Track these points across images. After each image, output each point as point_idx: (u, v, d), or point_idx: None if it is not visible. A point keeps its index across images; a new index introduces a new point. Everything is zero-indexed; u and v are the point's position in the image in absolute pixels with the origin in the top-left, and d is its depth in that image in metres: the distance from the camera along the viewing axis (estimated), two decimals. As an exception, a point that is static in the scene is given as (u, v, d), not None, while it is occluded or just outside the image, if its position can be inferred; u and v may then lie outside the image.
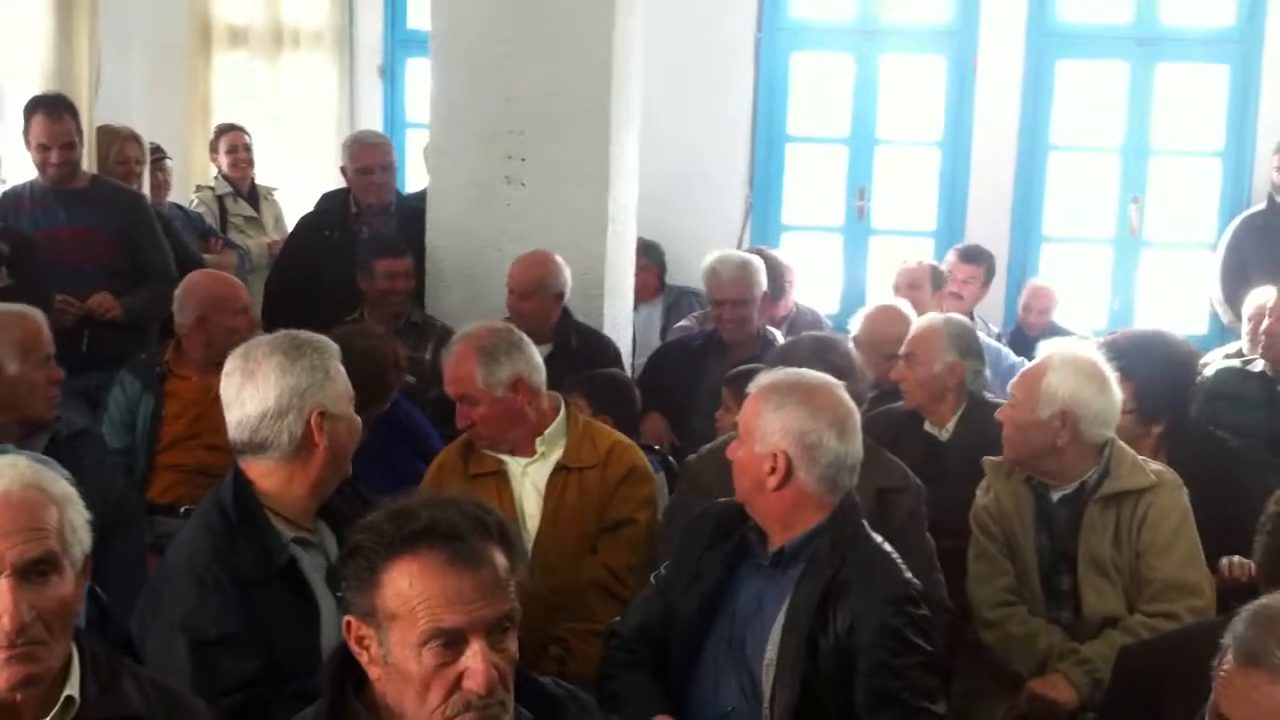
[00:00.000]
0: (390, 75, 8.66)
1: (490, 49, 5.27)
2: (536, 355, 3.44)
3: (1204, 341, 6.65)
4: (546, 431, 3.44)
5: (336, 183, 8.40)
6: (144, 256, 5.13)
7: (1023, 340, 5.93)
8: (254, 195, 6.92)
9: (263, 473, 2.63)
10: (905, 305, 4.77)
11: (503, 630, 1.84)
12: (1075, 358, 3.30)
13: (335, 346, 2.74)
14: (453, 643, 1.80)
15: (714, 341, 5.08)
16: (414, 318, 5.16)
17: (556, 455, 3.43)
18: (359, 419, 2.76)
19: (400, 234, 5.52)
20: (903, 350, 4.08)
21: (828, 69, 7.24)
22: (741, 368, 4.45)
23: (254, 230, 6.79)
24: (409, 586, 1.81)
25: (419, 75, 8.80)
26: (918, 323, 4.26)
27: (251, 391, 2.68)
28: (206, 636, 2.46)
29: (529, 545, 3.33)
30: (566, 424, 3.48)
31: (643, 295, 6.27)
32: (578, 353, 5.00)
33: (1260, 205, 6.51)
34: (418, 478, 3.94)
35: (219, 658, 2.45)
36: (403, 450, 4.08)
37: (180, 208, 6.38)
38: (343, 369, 2.74)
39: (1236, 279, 6.45)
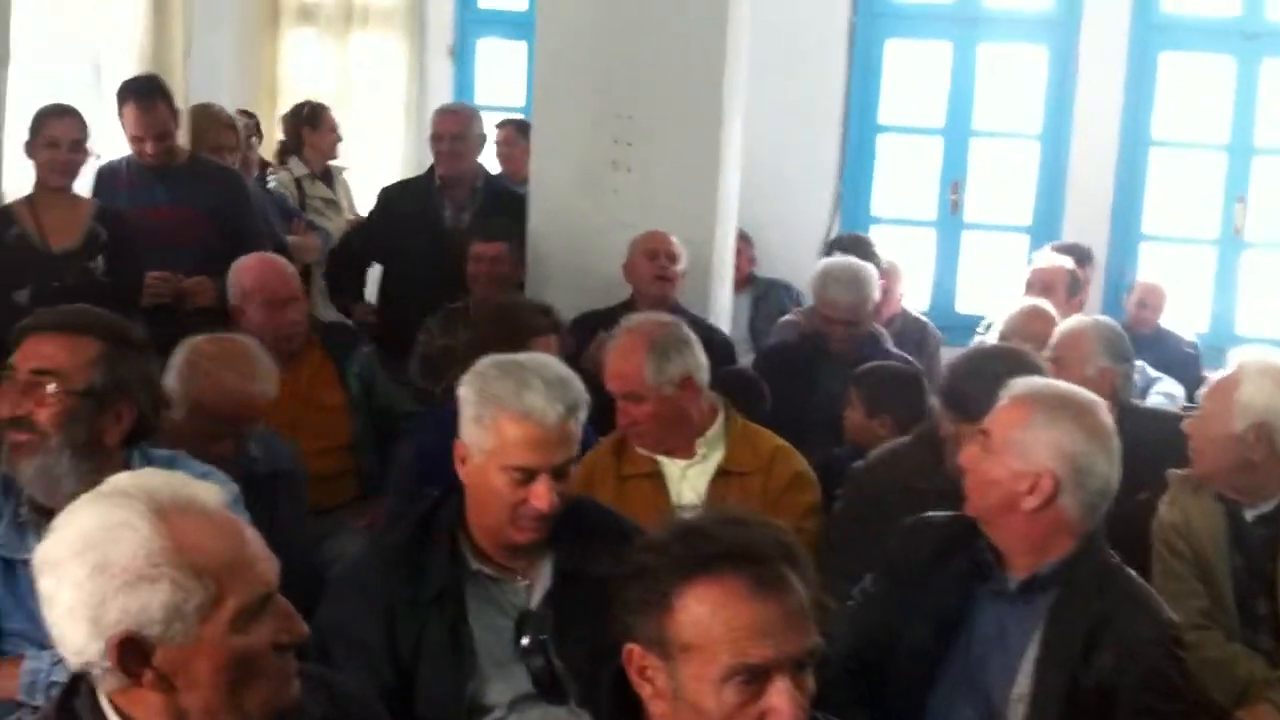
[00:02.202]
0: (461, 55, 8.48)
1: (597, 27, 5.09)
2: (703, 353, 3.26)
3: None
4: (708, 433, 3.27)
5: (404, 163, 8.36)
6: (242, 238, 4.93)
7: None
8: (328, 176, 6.74)
9: None
10: (1047, 305, 4.58)
11: (805, 666, 1.67)
12: (1272, 368, 3.10)
13: None
14: (756, 679, 1.64)
15: (821, 342, 4.89)
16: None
17: (717, 458, 3.26)
18: None
19: (485, 212, 5.38)
20: (1050, 354, 3.88)
21: (924, 57, 7.02)
22: (870, 365, 4.30)
23: (332, 212, 6.62)
24: (710, 615, 1.64)
25: (490, 56, 8.66)
26: (1065, 325, 4.06)
27: None
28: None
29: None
30: (726, 426, 3.30)
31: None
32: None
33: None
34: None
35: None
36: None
37: (264, 188, 6.21)
38: None
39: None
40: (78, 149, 4.38)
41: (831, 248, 5.55)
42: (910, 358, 4.95)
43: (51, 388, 2.39)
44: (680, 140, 5.10)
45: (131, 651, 1.55)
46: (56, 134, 4.31)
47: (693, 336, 3.26)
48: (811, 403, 4.63)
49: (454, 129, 5.44)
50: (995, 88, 6.96)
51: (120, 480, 1.66)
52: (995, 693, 2.38)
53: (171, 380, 3.17)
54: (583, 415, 2.46)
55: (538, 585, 2.45)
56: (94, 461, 2.38)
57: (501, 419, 2.37)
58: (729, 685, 1.63)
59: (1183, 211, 6.94)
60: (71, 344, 2.42)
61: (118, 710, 1.60)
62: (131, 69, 5.05)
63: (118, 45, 5.09)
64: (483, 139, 5.61)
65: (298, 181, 6.47)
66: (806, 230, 7.07)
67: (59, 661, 2.35)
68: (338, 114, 7.39)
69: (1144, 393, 4.87)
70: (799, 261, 7.05)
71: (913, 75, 7.07)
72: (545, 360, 2.51)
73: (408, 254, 5.28)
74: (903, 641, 2.45)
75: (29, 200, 4.33)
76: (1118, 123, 6.76)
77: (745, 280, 6.43)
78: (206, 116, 5.55)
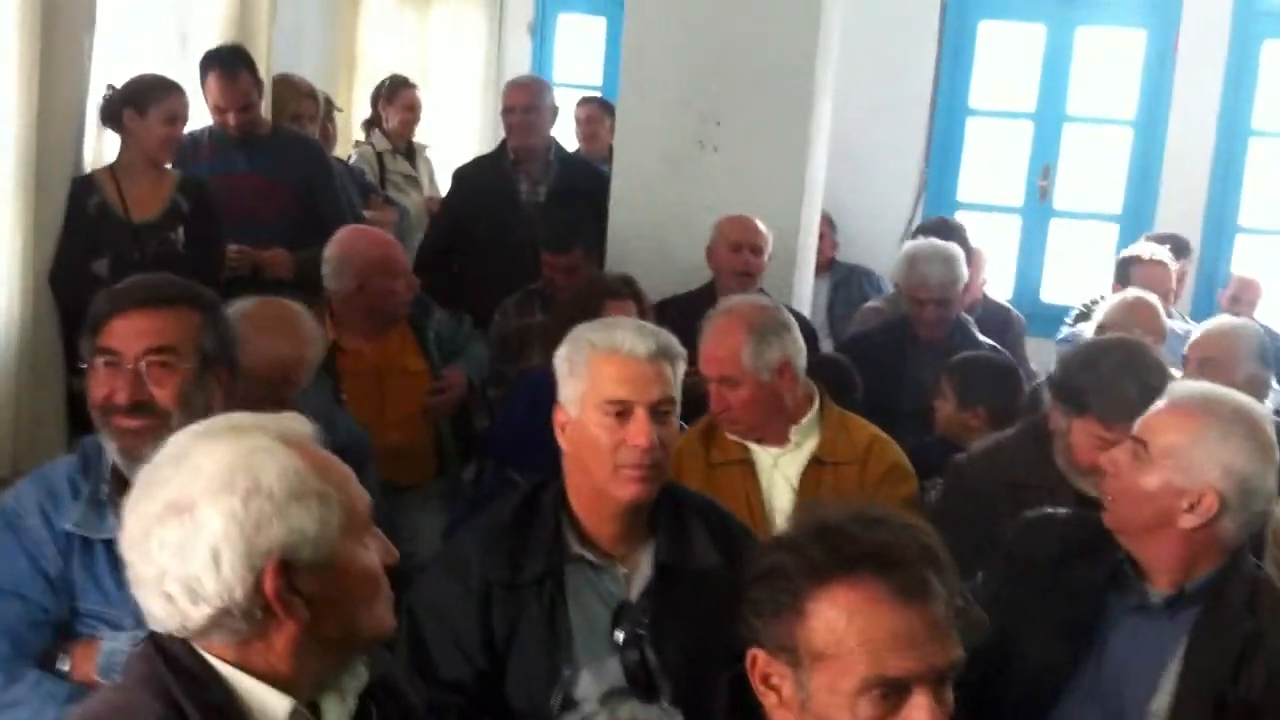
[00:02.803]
0: (540, 32, 8.40)
1: (687, 3, 4.96)
2: (801, 338, 3.14)
3: None
4: (803, 421, 3.15)
5: (481, 140, 8.29)
6: (324, 210, 4.89)
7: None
8: (410, 152, 6.68)
9: None
10: (1152, 296, 4.41)
11: (946, 680, 1.55)
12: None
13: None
14: (894, 692, 1.52)
15: (907, 329, 4.75)
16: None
17: (810, 447, 3.14)
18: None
19: (559, 186, 5.29)
20: (1199, 354, 3.72)
21: (1017, 39, 6.84)
22: (963, 356, 4.17)
23: (412, 188, 6.57)
24: (846, 623, 1.52)
25: (569, 32, 8.57)
26: (1215, 325, 3.91)
27: None
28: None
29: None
30: (820, 414, 3.19)
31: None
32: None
33: None
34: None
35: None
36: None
37: (343, 163, 6.15)
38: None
39: None
40: (184, 125, 4.35)
41: (917, 233, 5.39)
42: (1000, 346, 4.81)
43: (169, 365, 2.31)
44: (769, 120, 4.97)
45: (284, 578, 1.52)
46: (177, 109, 4.26)
47: (792, 321, 3.15)
48: (899, 392, 4.50)
49: (525, 101, 5.35)
50: (1090, 72, 6.76)
51: (217, 422, 1.62)
52: (1130, 709, 2.23)
53: None
54: (680, 367, 2.40)
55: (636, 576, 2.36)
56: None
57: (593, 358, 2.34)
58: (864, 698, 1.52)
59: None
60: (175, 316, 2.34)
61: (234, 665, 1.55)
62: (216, 38, 4.99)
63: (203, 13, 5.02)
64: (555, 111, 5.51)
65: (379, 156, 6.41)
66: (889, 216, 6.93)
67: (138, 644, 2.29)
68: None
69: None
70: (880, 248, 6.92)
71: (1004, 58, 6.88)
72: (618, 318, 2.47)
73: (483, 230, 5.19)
74: (1023, 650, 2.31)
75: (112, 169, 4.27)
76: (1216, 111, 6.55)
77: (826, 265, 6.29)
78: (286, 85, 5.49)
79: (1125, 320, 4.29)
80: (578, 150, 6.89)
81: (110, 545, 2.34)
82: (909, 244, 4.81)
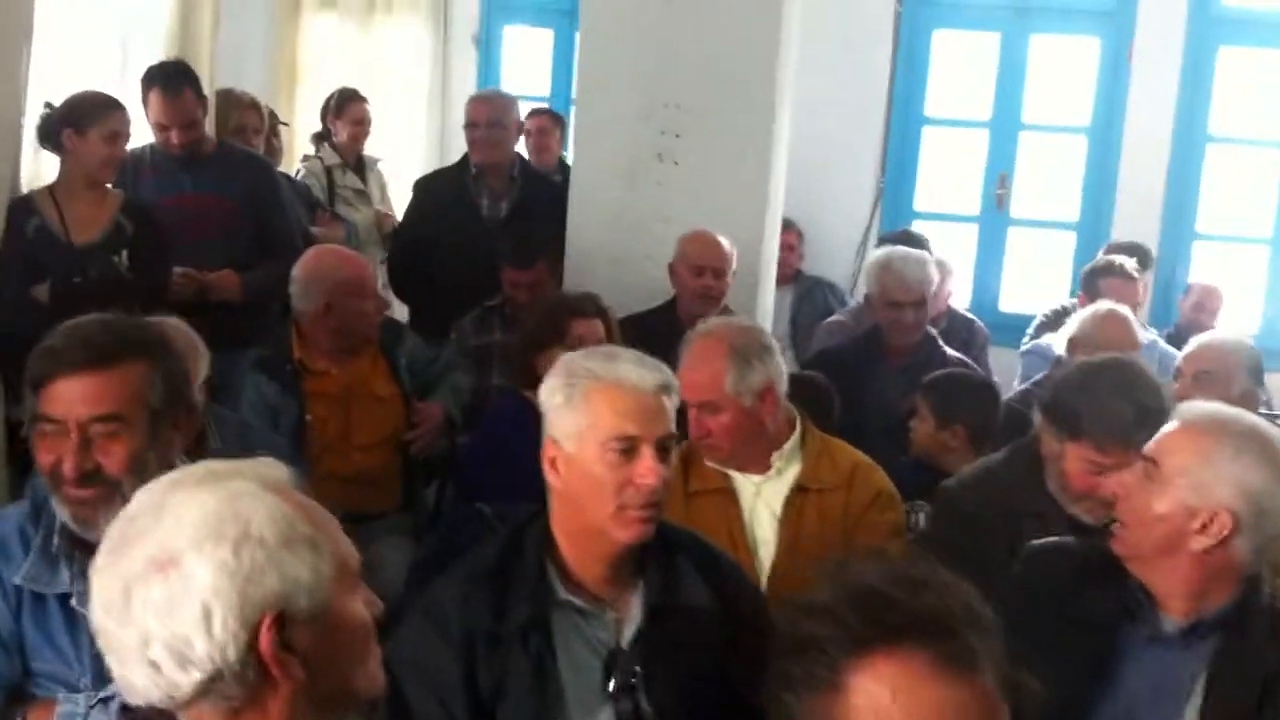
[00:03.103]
0: (486, 43, 8.25)
1: (645, 13, 4.84)
2: (782, 360, 3.03)
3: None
4: (784, 447, 3.03)
5: (428, 153, 8.13)
6: (271, 228, 4.73)
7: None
8: (360, 166, 6.51)
9: None
10: (1125, 309, 4.34)
11: None
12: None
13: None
14: None
15: (875, 344, 4.65)
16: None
17: (793, 474, 3.02)
18: None
19: (522, 199, 5.16)
20: (1195, 368, 3.64)
21: (972, 47, 6.79)
22: (939, 374, 4.08)
23: (361, 203, 6.39)
24: (889, 698, 1.36)
25: (515, 44, 8.43)
26: (1207, 340, 3.86)
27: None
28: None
29: (762, 577, 2.93)
30: (802, 439, 3.07)
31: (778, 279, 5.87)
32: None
33: None
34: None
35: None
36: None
37: (288, 178, 5.98)
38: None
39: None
40: (126, 143, 4.18)
41: (881, 242, 5.31)
42: (968, 360, 4.73)
43: (116, 433, 2.14)
44: (731, 132, 4.86)
45: (279, 633, 1.40)
46: (118, 128, 4.09)
47: (774, 343, 3.03)
48: (867, 410, 4.40)
49: (489, 116, 5.20)
50: (1045, 80, 6.72)
51: (192, 469, 1.48)
52: (1151, 747, 2.14)
53: None
54: (675, 401, 2.28)
55: (627, 620, 2.23)
56: None
57: (594, 391, 2.19)
58: None
59: (1237, 210, 6.69)
60: (119, 376, 2.15)
61: None
62: (159, 52, 4.81)
63: (145, 25, 4.84)
64: (520, 126, 5.37)
65: (328, 171, 6.24)
66: (846, 226, 6.85)
67: (95, 705, 2.14)
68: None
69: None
70: (837, 257, 6.86)
71: (959, 66, 6.83)
72: (612, 347, 2.33)
73: (443, 246, 5.05)
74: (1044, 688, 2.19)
75: (52, 190, 4.09)
76: (1171, 117, 6.52)
77: (790, 276, 6.20)
78: (228, 99, 5.34)
79: (1098, 334, 4.21)
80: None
81: (64, 600, 2.19)
82: (878, 251, 4.72)
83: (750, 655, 2.29)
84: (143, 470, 2.10)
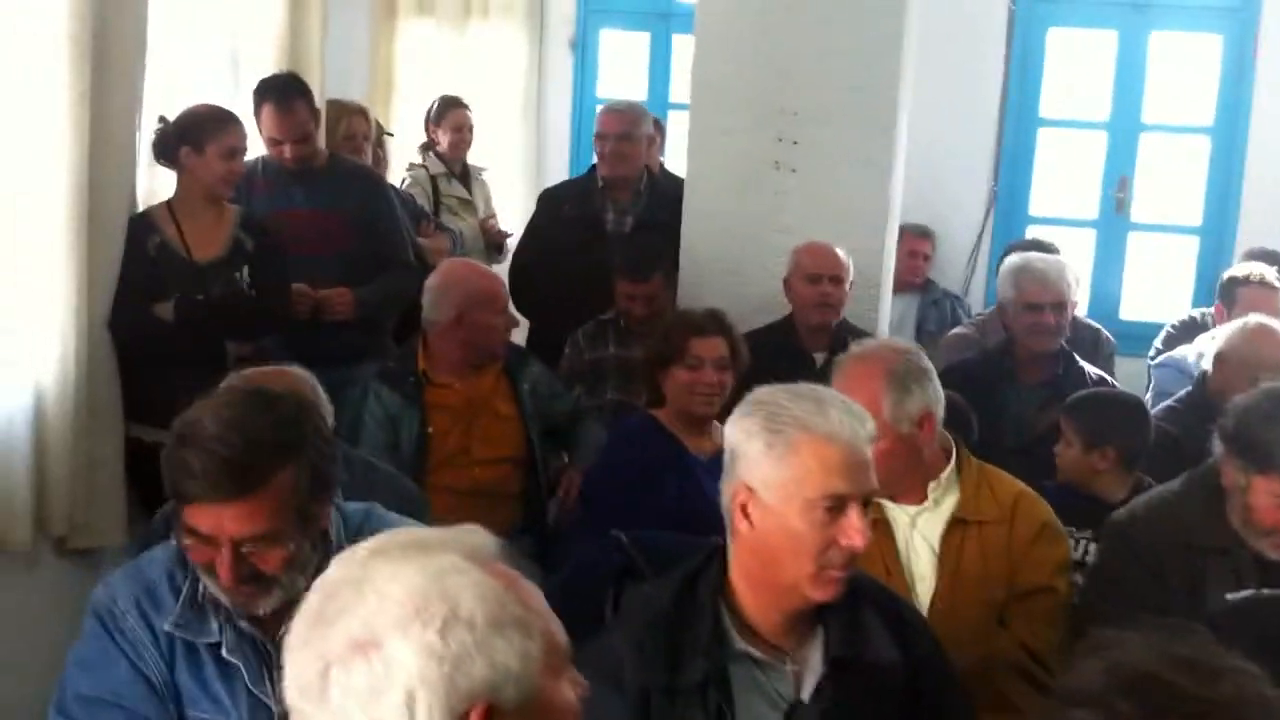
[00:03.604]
0: (582, 48, 8.15)
1: (764, 17, 4.70)
2: (940, 386, 2.88)
3: None
4: (941, 476, 2.88)
5: (525, 160, 8.04)
6: (384, 243, 4.66)
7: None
8: (465, 175, 6.43)
9: None
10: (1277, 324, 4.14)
11: None
12: None
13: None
14: None
15: (1008, 358, 4.46)
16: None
17: (950, 504, 2.87)
18: None
19: (649, 213, 5.03)
20: None
21: (1089, 45, 6.57)
22: (1082, 394, 3.89)
23: (467, 212, 6.31)
24: None
25: (611, 48, 8.33)
26: None
27: None
28: None
29: (923, 612, 2.78)
30: (959, 467, 2.92)
31: (903, 285, 5.72)
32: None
33: None
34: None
35: None
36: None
37: (394, 189, 5.91)
38: None
39: None
40: (243, 158, 4.14)
41: (1008, 250, 5.12)
42: (1107, 376, 4.54)
43: (270, 546, 2.04)
44: (851, 140, 4.70)
45: None
46: (236, 143, 4.03)
47: (931, 367, 2.88)
48: (1000, 429, 4.23)
49: (618, 128, 5.10)
50: (1165, 78, 6.49)
51: (395, 537, 1.36)
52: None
53: None
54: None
55: (807, 672, 2.10)
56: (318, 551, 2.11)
57: (804, 444, 2.04)
58: None
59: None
60: (269, 495, 2.01)
61: None
62: (269, 61, 4.74)
63: (254, 36, 4.78)
64: (652, 138, 5.26)
65: (433, 180, 6.17)
66: (958, 232, 6.66)
67: None
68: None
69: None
70: (950, 264, 6.67)
71: (1076, 65, 6.61)
72: (818, 387, 2.17)
73: (565, 259, 4.95)
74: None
75: (170, 206, 4.03)
76: (1300, 117, 6.27)
77: (920, 284, 6.03)
78: (336, 106, 5.27)
79: (1248, 349, 4.02)
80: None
81: (215, 649, 2.10)
82: (1011, 258, 4.53)
83: (932, 711, 2.16)
84: (303, 562, 2.05)
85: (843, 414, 2.07)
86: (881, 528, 2.85)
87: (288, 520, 2.03)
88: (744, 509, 2.08)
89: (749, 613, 2.10)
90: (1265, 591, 2.26)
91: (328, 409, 2.86)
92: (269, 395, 2.12)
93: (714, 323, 3.69)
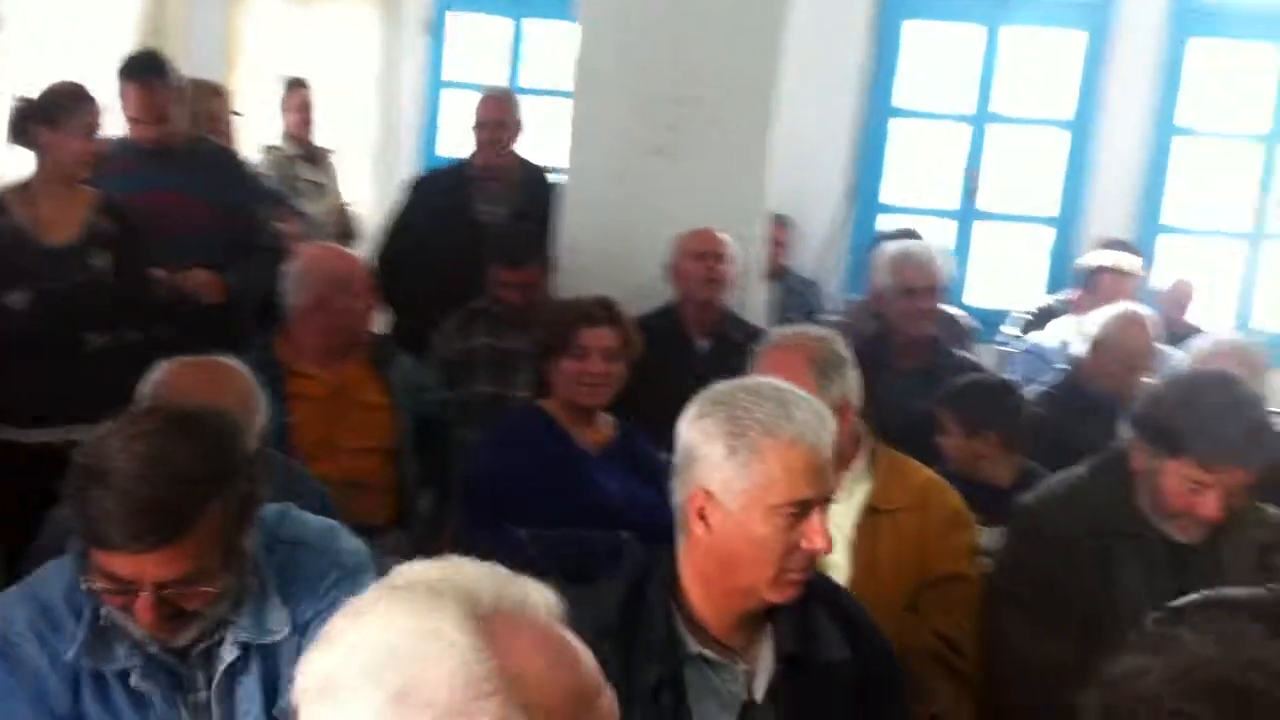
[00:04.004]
0: (437, 31, 7.99)
1: (649, 5, 4.65)
2: (855, 373, 2.86)
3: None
4: (854, 466, 2.87)
5: (374, 144, 7.84)
6: (247, 227, 4.47)
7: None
8: (316, 158, 6.24)
9: None
10: (1144, 310, 4.26)
11: None
12: None
13: None
14: None
15: (882, 346, 4.49)
16: None
17: (863, 494, 2.85)
18: None
19: (522, 202, 4.94)
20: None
21: (947, 40, 6.67)
22: (958, 383, 3.90)
23: (318, 196, 6.12)
24: None
25: (462, 31, 8.18)
26: (1222, 340, 3.77)
27: None
28: None
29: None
30: (872, 457, 2.91)
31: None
32: (738, 349, 4.43)
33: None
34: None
35: None
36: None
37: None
38: None
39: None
40: (101, 136, 3.91)
41: (878, 240, 5.16)
42: (977, 362, 4.61)
43: (196, 586, 1.88)
44: (732, 125, 4.69)
45: None
46: (93, 121, 3.81)
47: (849, 355, 2.86)
48: (879, 419, 4.25)
49: (497, 115, 4.99)
50: (1021, 73, 6.63)
51: (422, 570, 1.19)
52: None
53: None
54: None
55: (758, 670, 2.05)
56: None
57: (769, 450, 1.96)
58: None
59: (1209, 203, 6.66)
60: (196, 536, 1.84)
61: None
62: (129, 40, 4.51)
63: (115, 11, 4.53)
64: (521, 126, 5.14)
65: (284, 161, 5.95)
66: (814, 220, 6.70)
67: None
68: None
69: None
70: (808, 255, 6.70)
71: (933, 58, 6.71)
72: (776, 381, 2.10)
73: (435, 249, 4.82)
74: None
75: (23, 187, 3.79)
76: (1149, 111, 6.47)
77: (777, 271, 6.04)
78: (197, 86, 5.03)
79: (1123, 337, 4.13)
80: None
81: (124, 677, 1.95)
82: (890, 245, 4.56)
83: (879, 705, 2.14)
84: (226, 591, 1.93)
85: (807, 415, 2.00)
86: (796, 520, 2.82)
87: (214, 556, 1.88)
88: (700, 513, 2.01)
89: (700, 614, 2.04)
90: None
91: (262, 403, 2.69)
92: (187, 420, 1.91)
93: (603, 312, 3.61)
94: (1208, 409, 2.54)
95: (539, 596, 1.18)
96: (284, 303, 3.85)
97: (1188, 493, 2.58)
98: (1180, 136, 6.54)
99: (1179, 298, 5.83)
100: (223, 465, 1.88)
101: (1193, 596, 2.12)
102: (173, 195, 4.32)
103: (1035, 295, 6.32)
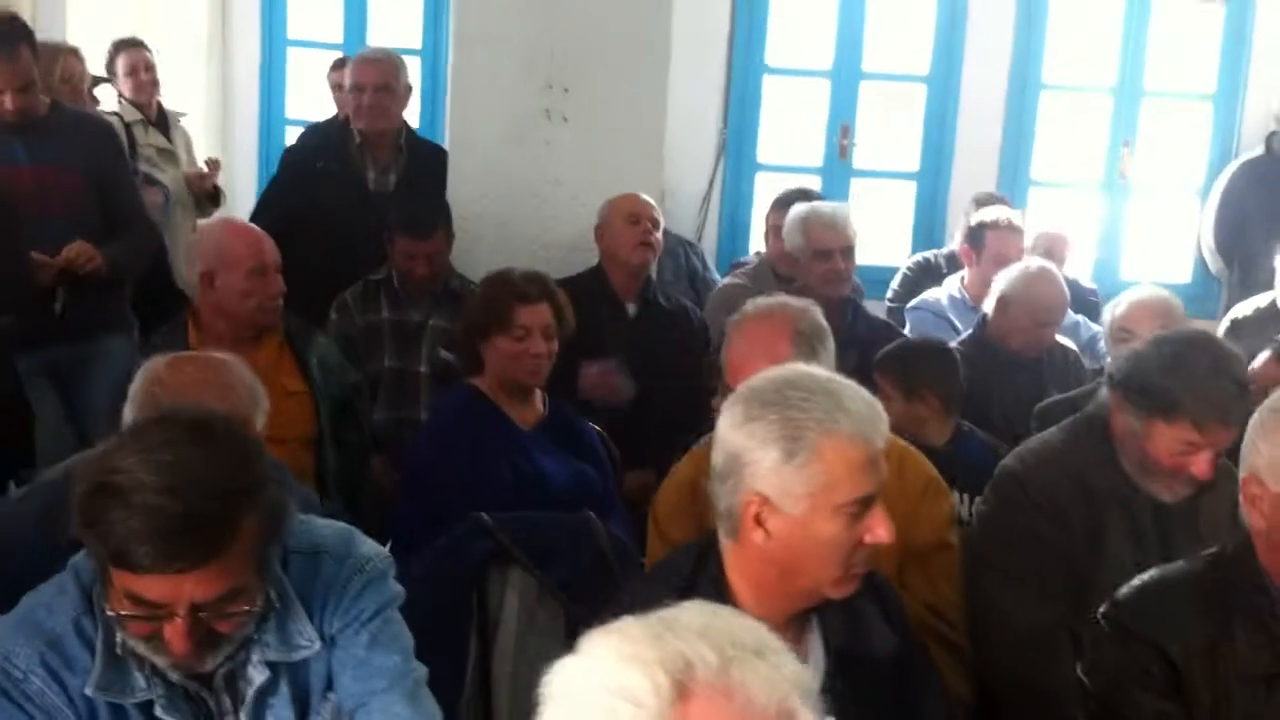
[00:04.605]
0: (269, -14, 7.63)
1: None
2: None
3: (1187, 290, 6.48)
4: (834, 439, 2.77)
5: (205, 104, 7.42)
6: (117, 199, 4.14)
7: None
8: (163, 122, 5.85)
9: None
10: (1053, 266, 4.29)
11: None
12: None
13: None
14: None
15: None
16: (451, 283, 4.35)
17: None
18: None
19: (411, 172, 4.72)
20: (1152, 326, 3.53)
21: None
22: (889, 348, 3.84)
23: (168, 163, 5.74)
24: None
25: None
26: (1143, 296, 3.78)
27: None
28: None
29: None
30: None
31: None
32: (667, 315, 4.34)
33: (1256, 151, 6.32)
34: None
35: None
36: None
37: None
38: None
39: (1232, 228, 6.27)
40: None
41: (775, 206, 5.07)
42: (891, 323, 4.59)
43: (233, 605, 1.73)
44: (624, 85, 4.55)
45: None
46: None
47: (826, 324, 2.76)
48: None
49: (377, 78, 4.71)
50: (884, 28, 6.62)
51: (660, 621, 1.18)
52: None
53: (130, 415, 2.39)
54: None
55: (809, 664, 1.94)
56: None
57: (828, 448, 1.86)
58: None
59: (1070, 157, 6.79)
60: (234, 552, 1.68)
61: None
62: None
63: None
64: (408, 89, 4.88)
65: (128, 128, 5.55)
66: (689, 179, 6.60)
67: None
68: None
69: (1091, 349, 4.67)
70: (682, 214, 6.60)
71: (800, 15, 6.65)
72: (815, 371, 1.99)
73: (323, 220, 4.55)
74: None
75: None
76: (1008, 64, 6.54)
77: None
78: (48, 49, 4.61)
79: (1034, 293, 4.15)
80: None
81: (146, 708, 1.75)
82: (796, 207, 4.47)
83: (920, 700, 2.06)
84: (259, 611, 1.79)
85: (859, 405, 1.92)
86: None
87: (250, 572, 1.72)
88: (757, 519, 1.90)
89: (751, 608, 1.92)
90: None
91: (265, 403, 2.45)
92: (205, 426, 1.72)
93: (538, 288, 3.44)
94: (1198, 371, 2.52)
95: (775, 673, 1.16)
96: (182, 283, 3.58)
97: (1179, 454, 2.57)
98: (1045, 91, 6.62)
99: (1053, 250, 5.90)
100: (252, 473, 1.70)
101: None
102: (35, 169, 3.97)
103: (901, 252, 6.36)
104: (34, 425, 3.73)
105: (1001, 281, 4.23)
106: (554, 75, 4.54)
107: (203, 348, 3.50)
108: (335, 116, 5.33)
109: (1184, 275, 6.64)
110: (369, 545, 1.98)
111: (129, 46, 5.84)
